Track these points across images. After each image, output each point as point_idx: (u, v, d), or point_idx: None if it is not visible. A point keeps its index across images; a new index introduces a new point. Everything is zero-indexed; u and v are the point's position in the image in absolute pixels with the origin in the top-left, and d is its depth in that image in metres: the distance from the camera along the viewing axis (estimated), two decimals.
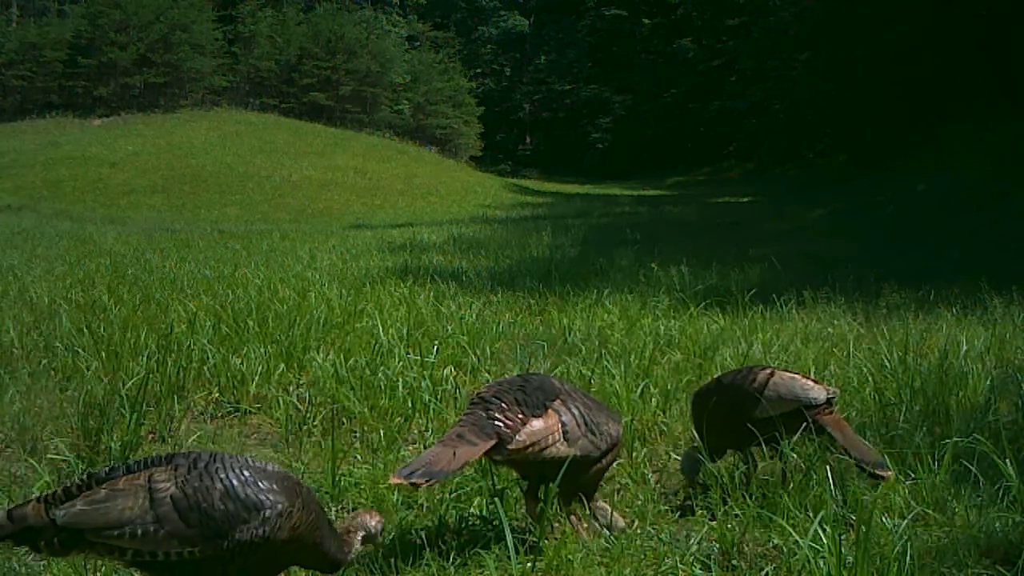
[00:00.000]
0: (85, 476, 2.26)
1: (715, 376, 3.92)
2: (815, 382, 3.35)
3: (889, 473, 3.16)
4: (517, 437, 2.82)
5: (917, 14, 21.85)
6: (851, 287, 7.71)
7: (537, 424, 2.87)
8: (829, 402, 3.30)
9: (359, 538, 2.50)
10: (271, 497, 2.25)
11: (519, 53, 63.35)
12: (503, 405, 2.87)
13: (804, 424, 3.24)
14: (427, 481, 2.66)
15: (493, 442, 2.80)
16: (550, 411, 2.91)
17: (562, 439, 2.89)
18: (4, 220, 19.23)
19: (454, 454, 2.72)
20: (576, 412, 2.95)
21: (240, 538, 2.19)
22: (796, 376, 3.36)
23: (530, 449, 2.84)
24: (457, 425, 2.89)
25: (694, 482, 3.49)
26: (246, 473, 2.27)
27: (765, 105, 39.37)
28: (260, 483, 2.26)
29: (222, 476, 2.23)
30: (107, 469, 2.28)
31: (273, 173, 31.42)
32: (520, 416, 2.86)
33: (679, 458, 3.60)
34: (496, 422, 2.83)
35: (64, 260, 10.33)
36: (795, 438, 3.26)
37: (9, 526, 2.18)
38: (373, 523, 2.53)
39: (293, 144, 37.64)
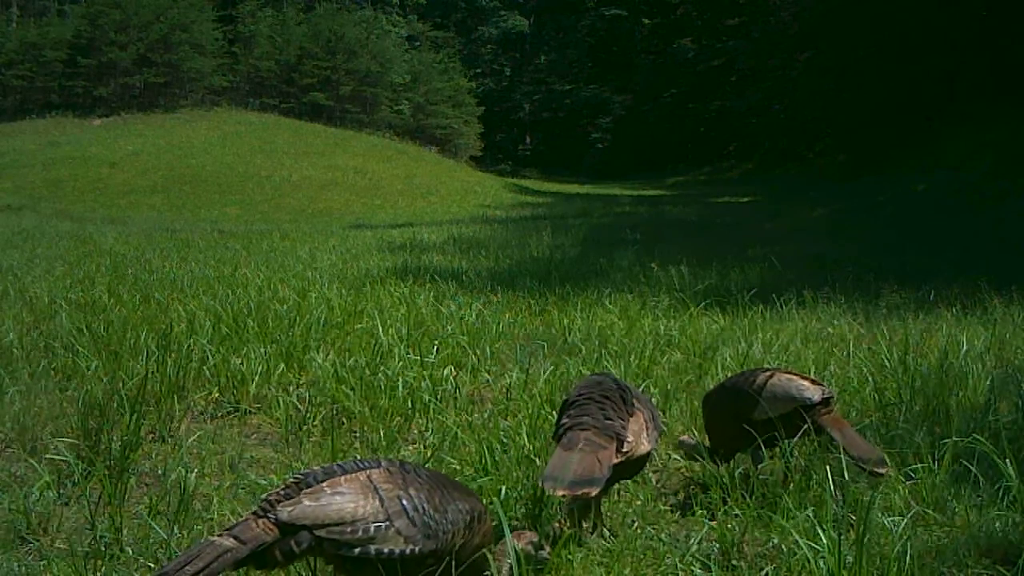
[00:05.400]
0: (301, 475, 2.33)
1: (721, 380, 3.95)
2: (813, 382, 3.35)
3: (887, 469, 3.17)
4: (628, 439, 2.81)
5: (917, 14, 21.88)
6: (851, 287, 7.72)
7: (635, 425, 2.88)
8: (827, 402, 3.30)
9: (506, 567, 2.52)
10: (472, 503, 2.47)
11: (519, 53, 63.36)
12: (614, 407, 2.87)
13: (804, 425, 3.24)
14: (583, 490, 2.63)
15: (615, 445, 2.78)
16: (636, 411, 2.93)
17: (647, 437, 2.93)
18: (4, 220, 19.22)
19: (598, 460, 2.69)
20: (646, 410, 2.98)
21: (451, 539, 2.36)
22: (794, 377, 3.36)
23: (639, 451, 2.85)
24: (577, 429, 2.80)
25: (691, 456, 3.56)
26: (451, 482, 2.51)
27: (765, 105, 39.44)
28: (462, 491, 2.50)
29: (435, 482, 2.42)
30: (321, 469, 2.35)
31: (273, 173, 31.41)
32: (623, 418, 2.86)
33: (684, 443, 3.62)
34: (612, 422, 2.82)
35: (64, 260, 10.31)
36: (796, 439, 3.27)
37: (243, 548, 2.15)
38: (523, 544, 2.58)
39: (293, 144, 37.65)
